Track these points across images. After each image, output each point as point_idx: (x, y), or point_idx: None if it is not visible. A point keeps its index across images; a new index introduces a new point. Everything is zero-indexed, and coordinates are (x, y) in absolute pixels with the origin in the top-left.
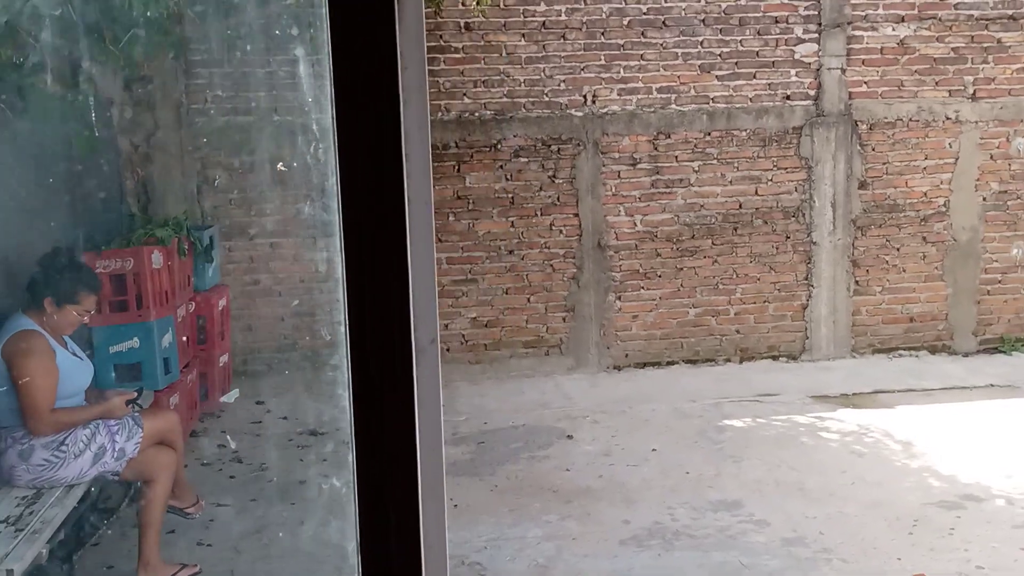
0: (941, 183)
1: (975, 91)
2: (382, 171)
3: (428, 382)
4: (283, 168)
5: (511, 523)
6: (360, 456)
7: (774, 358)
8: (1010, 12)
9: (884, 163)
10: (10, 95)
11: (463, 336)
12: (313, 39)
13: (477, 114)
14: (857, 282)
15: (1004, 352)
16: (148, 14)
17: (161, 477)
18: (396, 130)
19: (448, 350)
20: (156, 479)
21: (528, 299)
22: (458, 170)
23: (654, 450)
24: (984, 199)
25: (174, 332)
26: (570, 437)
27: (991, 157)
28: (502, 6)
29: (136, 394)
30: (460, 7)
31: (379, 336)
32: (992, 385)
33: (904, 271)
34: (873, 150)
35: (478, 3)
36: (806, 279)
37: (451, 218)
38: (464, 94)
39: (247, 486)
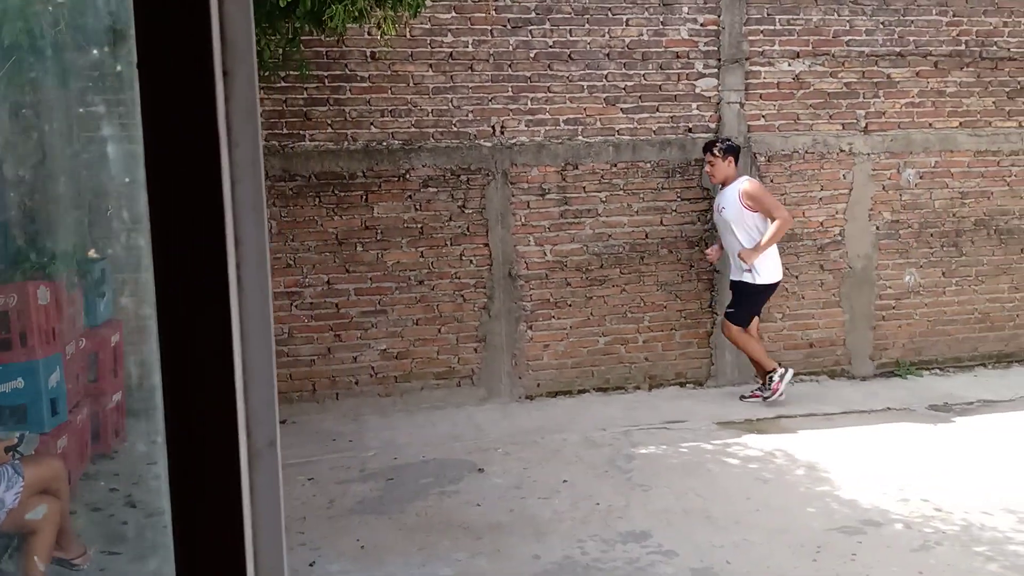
0: (836, 213)
1: (867, 124)
2: (201, 257)
3: (266, 489)
4: (94, 255)
5: (420, 563)
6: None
7: (681, 385)
8: (898, 49)
9: (782, 194)
10: None
11: (372, 368)
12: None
13: (385, 143)
14: None
15: (900, 376)
16: (28, 40)
17: (44, 528)
18: (219, 216)
19: (357, 383)
20: (38, 530)
21: (439, 330)
22: (366, 200)
23: (565, 481)
24: (877, 228)
25: (63, 371)
26: (481, 470)
27: (883, 188)
28: (409, 36)
29: (16, 440)
30: (366, 36)
31: (197, 443)
32: (888, 408)
33: (803, 298)
34: (772, 181)
35: (382, 33)
36: (710, 307)
37: (359, 248)
38: (371, 123)
39: (141, 532)
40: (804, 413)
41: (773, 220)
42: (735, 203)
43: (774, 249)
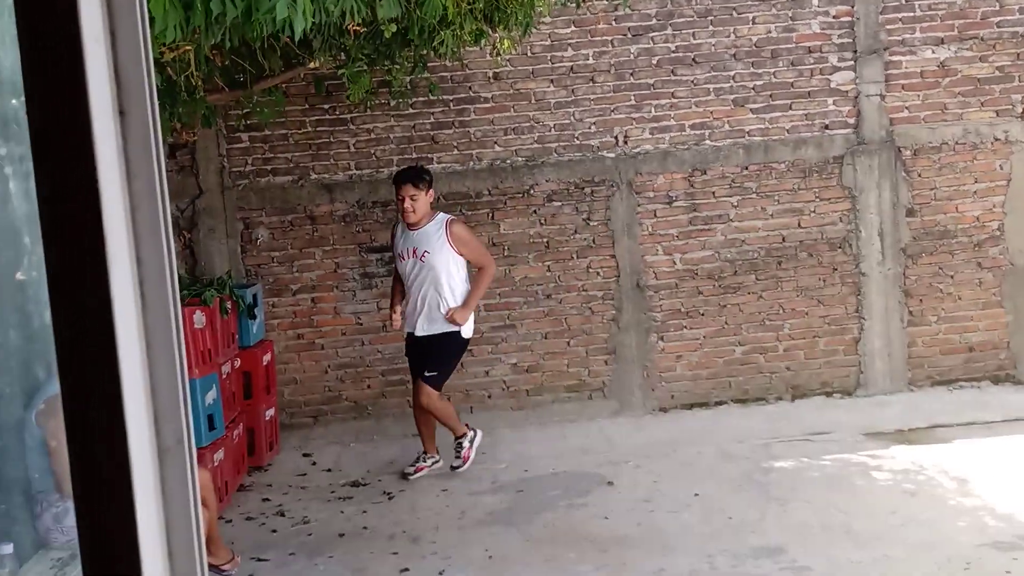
0: (994, 206)
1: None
2: (86, 275)
3: (178, 481)
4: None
5: (544, 574)
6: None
7: (827, 394)
8: None
9: (932, 189)
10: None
11: (504, 382)
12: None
13: (509, 161)
14: (911, 312)
15: None
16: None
17: None
18: (100, 241)
19: (490, 397)
20: None
21: (568, 343)
22: (492, 217)
23: (696, 495)
24: None
25: (219, 389)
26: (610, 484)
27: None
28: (530, 54)
29: None
30: (488, 58)
31: (91, 444)
32: None
33: (960, 299)
34: (919, 176)
35: (497, 54)
36: (857, 311)
37: None
38: (495, 142)
39: (288, 540)
40: (962, 422)
41: (480, 268)
42: (443, 246)
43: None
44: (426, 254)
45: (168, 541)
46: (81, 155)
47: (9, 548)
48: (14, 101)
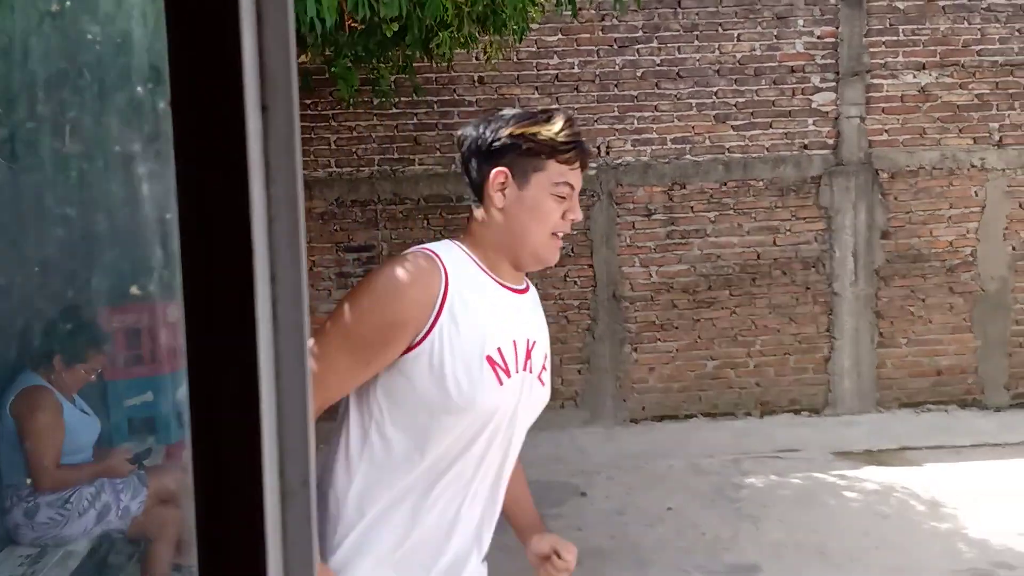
0: (967, 232)
1: (1001, 138)
2: (229, 294)
3: (299, 528)
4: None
5: None
6: None
7: (796, 412)
8: None
9: (907, 212)
10: (24, 151)
11: None
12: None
13: None
14: (881, 334)
15: None
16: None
17: (165, 535)
18: (248, 254)
19: None
20: (161, 537)
21: None
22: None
23: (669, 509)
24: (1014, 248)
25: None
26: (583, 494)
27: (1020, 205)
28: (515, 60)
29: (140, 452)
30: (474, 61)
31: (224, 483)
32: None
33: (930, 322)
34: (895, 199)
35: (488, 59)
36: (828, 331)
37: None
38: None
39: None
40: (930, 445)
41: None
42: None
43: None
44: None
45: None
46: (232, 157)
47: None
48: (139, 89)
